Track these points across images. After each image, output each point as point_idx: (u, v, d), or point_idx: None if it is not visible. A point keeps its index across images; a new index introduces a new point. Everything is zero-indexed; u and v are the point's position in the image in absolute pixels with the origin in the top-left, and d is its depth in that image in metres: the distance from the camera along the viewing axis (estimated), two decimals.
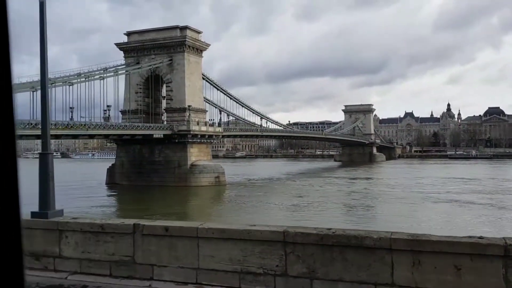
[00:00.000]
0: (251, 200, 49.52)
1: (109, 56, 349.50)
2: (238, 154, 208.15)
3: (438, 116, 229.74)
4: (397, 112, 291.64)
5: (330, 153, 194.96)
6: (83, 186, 66.22)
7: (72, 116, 55.56)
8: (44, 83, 8.97)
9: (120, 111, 68.29)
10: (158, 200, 51.09)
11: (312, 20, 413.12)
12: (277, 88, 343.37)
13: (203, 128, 66.66)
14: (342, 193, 54.98)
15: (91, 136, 55.01)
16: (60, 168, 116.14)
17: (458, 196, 48.72)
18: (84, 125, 51.35)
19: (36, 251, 7.63)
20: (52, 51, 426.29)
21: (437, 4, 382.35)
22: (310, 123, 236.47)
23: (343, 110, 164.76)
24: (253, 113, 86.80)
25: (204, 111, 70.61)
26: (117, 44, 69.30)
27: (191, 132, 63.84)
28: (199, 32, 69.23)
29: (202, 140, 67.00)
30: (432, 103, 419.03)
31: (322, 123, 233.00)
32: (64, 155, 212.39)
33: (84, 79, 53.44)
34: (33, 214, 8.15)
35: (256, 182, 73.37)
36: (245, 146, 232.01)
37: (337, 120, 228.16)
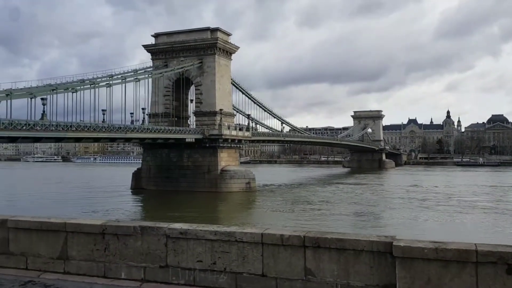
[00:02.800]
0: (296, 206, 48.18)
1: (109, 60, 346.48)
2: (243, 159, 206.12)
3: (438, 123, 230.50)
4: (397, 119, 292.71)
5: (335, 159, 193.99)
6: (109, 191, 64.34)
7: (104, 119, 53.77)
8: None
9: (147, 115, 66.41)
10: (198, 207, 49.42)
11: (313, 27, 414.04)
12: (275, 94, 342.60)
13: (233, 133, 65.14)
14: (386, 201, 53.64)
15: (127, 140, 53.20)
16: (75, 172, 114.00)
17: None
18: (123, 128, 49.51)
19: None
20: (52, 54, 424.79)
21: (439, 12, 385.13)
22: (313, 128, 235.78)
23: (352, 116, 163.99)
24: (274, 117, 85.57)
25: (232, 115, 69.15)
26: (144, 46, 67.68)
27: (223, 137, 62.25)
28: (229, 34, 67.86)
29: (232, 145, 65.44)
30: (430, 110, 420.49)
31: (325, 129, 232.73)
32: (65, 159, 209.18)
33: (120, 81, 51.51)
34: None
35: (281, 188, 72.00)
36: (248, 151, 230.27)
37: (340, 126, 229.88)
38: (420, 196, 57.30)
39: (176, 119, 64.48)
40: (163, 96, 66.73)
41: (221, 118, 63.25)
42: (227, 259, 5.54)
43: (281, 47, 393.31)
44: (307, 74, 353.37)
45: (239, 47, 69.08)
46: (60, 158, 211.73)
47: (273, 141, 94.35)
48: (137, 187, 65.78)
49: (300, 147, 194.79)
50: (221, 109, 63.73)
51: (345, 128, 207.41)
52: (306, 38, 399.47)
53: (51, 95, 44.41)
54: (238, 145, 68.14)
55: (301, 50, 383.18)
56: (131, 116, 61.07)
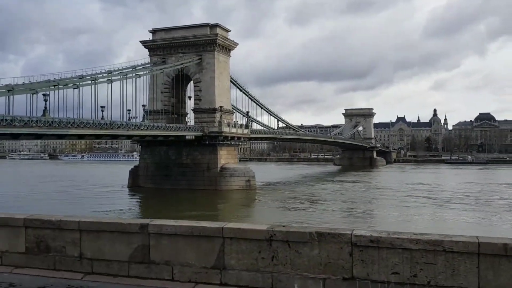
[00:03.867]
0: (301, 204, 47.89)
1: (97, 57, 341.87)
2: None
3: (426, 121, 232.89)
4: (384, 117, 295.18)
5: (326, 157, 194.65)
6: (105, 189, 63.22)
7: (102, 116, 52.57)
8: None
9: (144, 111, 65.29)
10: (200, 205, 48.74)
11: (303, 25, 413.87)
12: (264, 91, 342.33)
13: (233, 130, 64.49)
14: (385, 198, 53.67)
15: (129, 137, 52.14)
16: (67, 170, 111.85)
17: None
18: (125, 125, 48.49)
19: None
20: (39, 50, 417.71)
21: (428, 11, 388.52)
22: (302, 126, 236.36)
23: (343, 113, 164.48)
24: (271, 115, 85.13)
25: (232, 112, 68.50)
26: (142, 42, 66.54)
27: (223, 134, 61.60)
28: (228, 31, 67.11)
29: (232, 143, 64.81)
30: (417, 108, 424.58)
31: (314, 126, 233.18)
32: (52, 157, 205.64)
33: (120, 77, 50.45)
34: None
35: (280, 186, 71.66)
36: (238, 148, 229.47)
37: (328, 124, 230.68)
38: (435, 195, 57.09)
39: (176, 116, 63.54)
40: (161, 92, 65.72)
41: (221, 115, 62.58)
42: (432, 271, 4.97)
43: (270, 45, 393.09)
44: (296, 72, 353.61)
45: (238, 44, 68.44)
46: (46, 155, 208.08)
47: (270, 139, 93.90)
48: (134, 185, 64.75)
49: (290, 144, 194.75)
50: (221, 106, 63.05)
51: (334, 126, 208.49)
52: (296, 36, 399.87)
53: (51, 91, 43.34)
54: (237, 143, 67.57)
55: (291, 48, 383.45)
56: (129, 113, 60.04)
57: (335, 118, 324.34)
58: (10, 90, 37.08)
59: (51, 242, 6.68)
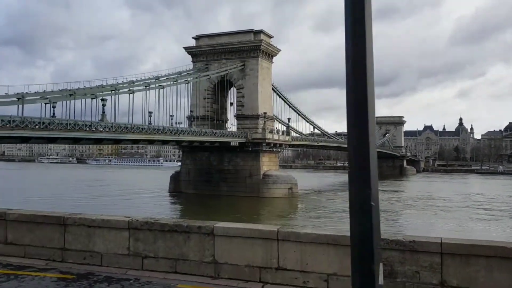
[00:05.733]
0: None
1: (123, 63, 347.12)
2: None
3: (451, 130, 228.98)
4: (408, 125, 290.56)
5: None
6: (150, 194, 63.39)
7: (150, 121, 52.81)
8: None
9: (186, 117, 65.53)
10: (246, 213, 48.32)
11: (328, 32, 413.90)
12: (278, 99, 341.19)
13: (276, 137, 64.14)
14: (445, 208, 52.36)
15: (178, 142, 52.14)
16: (100, 174, 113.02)
17: None
18: (175, 131, 48.59)
19: None
20: (67, 56, 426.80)
21: (454, 19, 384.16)
22: (326, 133, 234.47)
23: None
24: (307, 122, 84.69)
25: (273, 119, 68.17)
26: (185, 48, 66.89)
27: (266, 141, 61.28)
28: (271, 37, 67.00)
29: (273, 149, 64.43)
30: (441, 117, 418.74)
31: (338, 134, 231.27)
32: (79, 161, 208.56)
33: (171, 82, 50.65)
34: None
35: (319, 194, 70.91)
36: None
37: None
38: (494, 206, 55.41)
39: (220, 122, 63.58)
40: (204, 98, 65.82)
41: (264, 121, 62.30)
42: None
43: (294, 52, 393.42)
44: (318, 79, 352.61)
45: (280, 50, 68.26)
46: (74, 159, 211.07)
47: (308, 146, 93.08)
48: (175, 191, 64.82)
49: (316, 152, 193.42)
50: (265, 113, 62.80)
51: None
52: (319, 42, 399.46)
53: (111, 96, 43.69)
54: (279, 150, 67.16)
55: (314, 55, 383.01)
56: (171, 119, 60.26)
57: None
58: (72, 94, 37.41)
59: (398, 267, 6.16)
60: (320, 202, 57.59)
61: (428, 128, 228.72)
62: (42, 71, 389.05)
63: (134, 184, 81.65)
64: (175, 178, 66.54)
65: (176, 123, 58.74)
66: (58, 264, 7.39)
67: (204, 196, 60.43)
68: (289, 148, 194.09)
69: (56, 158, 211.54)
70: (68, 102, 38.70)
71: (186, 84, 60.46)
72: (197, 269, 6.88)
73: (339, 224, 39.74)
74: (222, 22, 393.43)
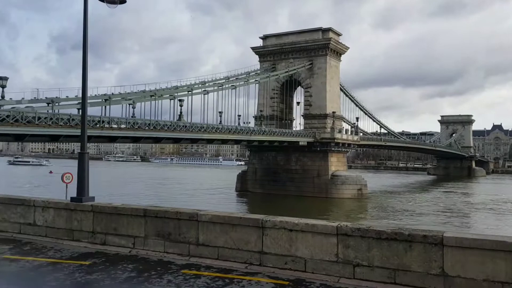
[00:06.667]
0: (432, 217, 45.10)
1: (184, 65, 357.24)
2: None
3: None
4: (475, 124, 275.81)
5: (415, 166, 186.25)
6: (217, 193, 64.45)
7: (221, 121, 53.44)
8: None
9: (253, 117, 65.81)
10: (317, 213, 47.64)
11: (389, 29, 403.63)
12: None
13: (345, 136, 62.95)
14: None
15: (249, 142, 52.49)
16: (167, 173, 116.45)
17: None
18: (247, 131, 48.99)
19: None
20: (132, 59, 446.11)
21: None
22: (393, 133, 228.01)
23: (439, 120, 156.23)
24: (374, 121, 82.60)
25: (341, 118, 66.99)
26: (253, 48, 67.24)
27: (335, 141, 60.29)
28: (339, 34, 65.82)
29: (342, 149, 63.27)
30: (511, 116, 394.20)
31: (401, 134, 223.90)
32: (143, 159, 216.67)
33: (242, 82, 51.07)
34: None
35: (389, 195, 68.80)
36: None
37: (416, 131, 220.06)
38: None
39: (289, 121, 63.44)
40: (271, 98, 65.80)
41: (333, 121, 61.35)
42: None
43: (353, 50, 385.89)
44: (378, 77, 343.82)
45: (349, 48, 66.91)
46: (138, 157, 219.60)
47: (374, 146, 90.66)
48: (242, 190, 65.43)
49: (376, 151, 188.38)
50: (334, 112, 61.84)
51: (423, 133, 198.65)
52: (379, 40, 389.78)
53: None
54: (347, 150, 65.89)
55: (374, 53, 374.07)
56: (238, 118, 60.66)
57: (420, 124, 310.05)
58: (153, 95, 38.54)
59: None
60: (394, 204, 55.81)
61: (497, 127, 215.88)
62: (109, 73, 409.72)
63: (201, 182, 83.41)
64: (242, 177, 67.15)
65: (244, 122, 59.40)
66: (259, 268, 7.31)
67: (271, 195, 60.55)
68: (352, 148, 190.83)
69: (122, 157, 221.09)
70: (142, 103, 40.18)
71: (253, 84, 60.86)
72: (422, 281, 6.48)
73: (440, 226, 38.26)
74: (281, 22, 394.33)
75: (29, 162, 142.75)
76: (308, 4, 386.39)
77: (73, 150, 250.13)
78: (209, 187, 72.85)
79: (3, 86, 27.89)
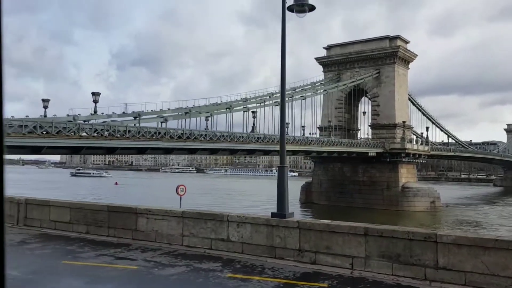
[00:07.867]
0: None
1: (237, 78, 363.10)
2: None
3: None
4: None
5: (478, 177, 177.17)
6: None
7: (287, 132, 52.96)
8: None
9: (318, 127, 64.92)
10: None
11: (446, 36, 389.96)
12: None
13: (415, 147, 60.63)
14: None
15: (319, 153, 51.71)
16: (226, 184, 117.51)
17: None
18: (317, 142, 48.29)
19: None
20: (187, 73, 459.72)
21: None
22: (460, 143, 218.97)
23: (505, 129, 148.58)
24: (441, 131, 79.29)
25: (411, 128, 64.70)
26: (317, 59, 66.68)
27: (406, 151, 58.16)
28: (407, 42, 64.00)
29: (412, 160, 60.93)
30: None
31: (470, 144, 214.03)
32: (198, 170, 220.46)
33: (311, 93, 50.47)
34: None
35: (462, 208, 65.25)
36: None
37: (478, 140, 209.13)
38: None
39: (354, 131, 62.12)
40: (335, 108, 64.72)
41: (403, 131, 59.31)
42: None
43: None
44: (434, 85, 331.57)
45: (417, 55, 64.85)
46: (194, 169, 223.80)
47: (443, 157, 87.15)
48: (307, 201, 64.40)
49: (437, 162, 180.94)
50: (404, 121, 59.82)
51: (485, 143, 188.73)
52: (435, 47, 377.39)
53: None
54: (418, 160, 63.35)
55: (429, 60, 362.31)
56: (303, 129, 59.92)
57: (479, 133, 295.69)
58: (188, 112, 38.33)
59: None
60: (474, 217, 52.82)
61: None
62: (165, 88, 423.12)
63: (264, 193, 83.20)
64: (306, 189, 66.23)
65: (310, 133, 58.67)
66: None
67: (338, 207, 59.10)
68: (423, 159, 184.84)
69: (178, 168, 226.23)
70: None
71: (317, 95, 60.11)
72: None
73: None
74: (334, 32, 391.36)
75: (90, 173, 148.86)
76: (362, 12, 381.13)
77: (132, 162, 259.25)
78: (271, 198, 72.36)
79: (96, 101, 28.92)
